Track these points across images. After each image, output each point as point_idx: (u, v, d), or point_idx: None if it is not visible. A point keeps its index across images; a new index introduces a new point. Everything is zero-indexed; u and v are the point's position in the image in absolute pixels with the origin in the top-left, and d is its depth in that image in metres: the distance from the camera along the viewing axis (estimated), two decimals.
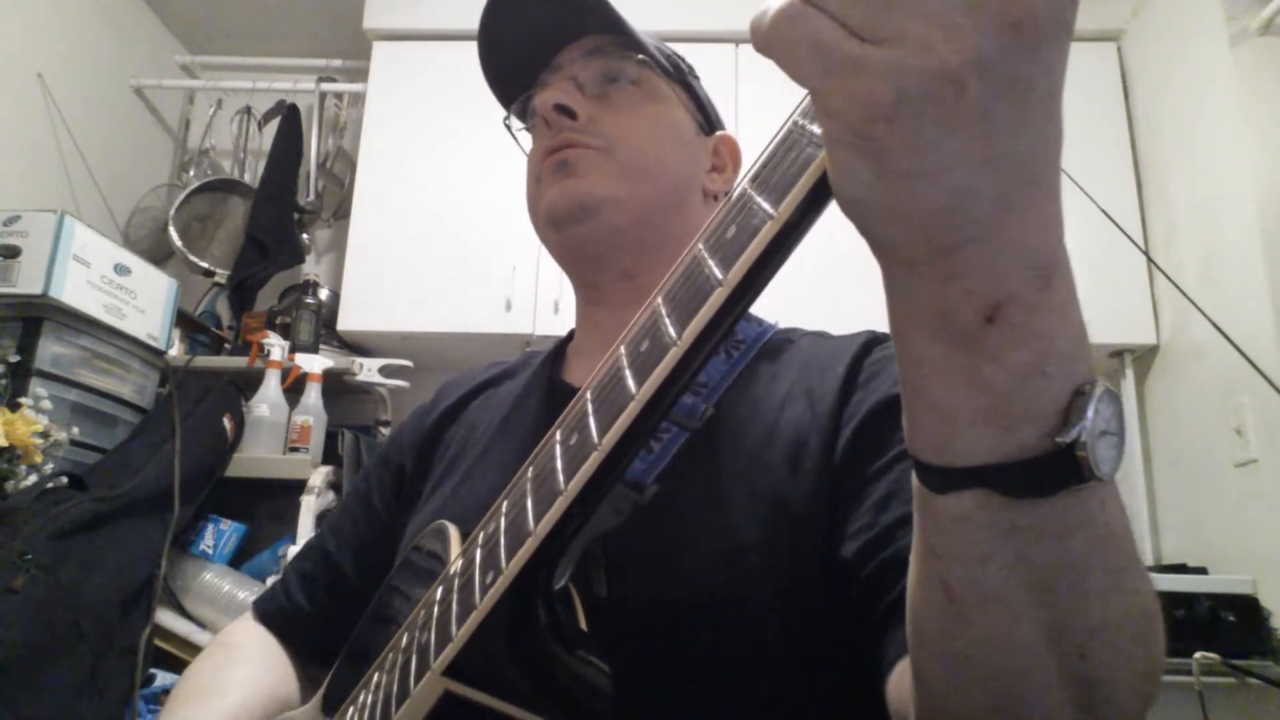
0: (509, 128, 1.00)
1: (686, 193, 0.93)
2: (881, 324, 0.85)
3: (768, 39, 0.34)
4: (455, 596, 0.56)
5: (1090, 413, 0.37)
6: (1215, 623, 1.93)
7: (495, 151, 2.81)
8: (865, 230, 0.37)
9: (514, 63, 0.95)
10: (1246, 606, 1.95)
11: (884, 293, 0.40)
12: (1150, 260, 2.54)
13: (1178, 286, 2.35)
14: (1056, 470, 0.38)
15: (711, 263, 0.43)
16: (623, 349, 0.50)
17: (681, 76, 0.96)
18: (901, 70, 0.31)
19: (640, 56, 0.91)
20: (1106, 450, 0.38)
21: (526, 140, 0.99)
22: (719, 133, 1.00)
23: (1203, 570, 2.16)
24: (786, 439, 0.76)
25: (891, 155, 0.33)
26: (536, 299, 2.69)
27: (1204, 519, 2.31)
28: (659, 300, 0.48)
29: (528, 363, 1.01)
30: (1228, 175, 2.29)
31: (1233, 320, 2.00)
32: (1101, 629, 0.42)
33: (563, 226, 0.88)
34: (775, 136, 0.42)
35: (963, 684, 0.45)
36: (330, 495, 2.34)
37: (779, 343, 0.87)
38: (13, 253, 1.97)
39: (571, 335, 1.01)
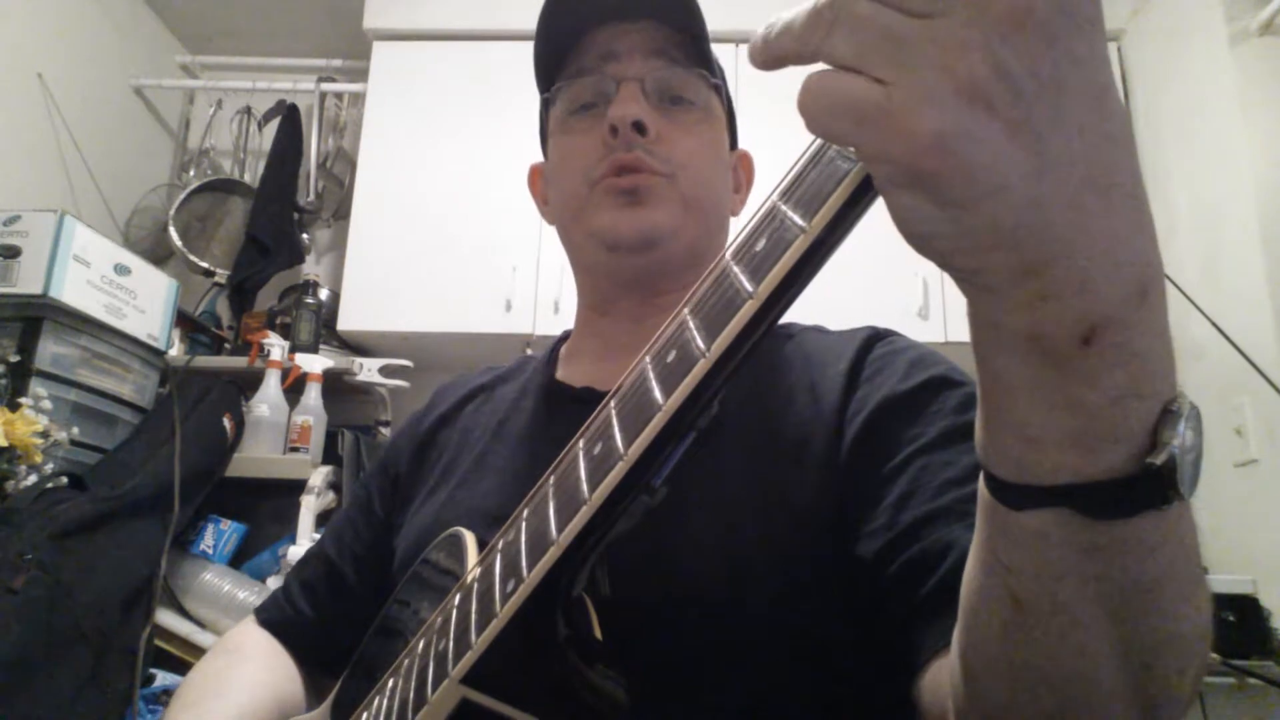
0: (547, 103, 0.95)
1: (725, 216, 0.94)
2: (879, 321, 0.86)
3: (806, 119, 0.35)
4: (475, 604, 0.56)
5: (1182, 433, 0.36)
6: (1215, 623, 1.92)
7: (495, 152, 2.82)
8: (945, 264, 0.36)
9: (568, 35, 0.91)
10: (1246, 606, 1.96)
11: (969, 317, 0.38)
12: None
13: (1178, 286, 2.35)
14: (1143, 491, 0.37)
15: (741, 275, 0.43)
16: (648, 359, 0.50)
17: (725, 89, 0.95)
18: (927, 99, 0.31)
19: (713, 80, 0.89)
20: (1191, 468, 0.36)
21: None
22: (739, 150, 1.00)
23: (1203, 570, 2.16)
24: (789, 435, 0.75)
25: (948, 184, 0.32)
26: (536, 299, 2.69)
27: (1204, 519, 2.30)
28: (686, 312, 0.48)
29: (522, 367, 1.01)
30: (1228, 175, 2.29)
31: (1233, 320, 2.00)
32: (1169, 643, 0.42)
33: (620, 253, 0.87)
34: (806, 151, 0.42)
35: (1022, 691, 0.45)
36: (330, 495, 2.33)
37: (779, 338, 0.87)
38: (13, 253, 1.96)
39: (565, 337, 1.01)
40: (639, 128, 0.84)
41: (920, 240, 0.36)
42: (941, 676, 0.54)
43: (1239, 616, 1.94)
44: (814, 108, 0.34)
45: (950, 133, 0.31)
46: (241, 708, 0.84)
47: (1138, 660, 0.42)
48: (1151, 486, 0.36)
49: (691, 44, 0.88)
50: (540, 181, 1.01)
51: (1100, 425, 0.36)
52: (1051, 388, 0.36)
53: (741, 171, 1.00)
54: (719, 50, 0.97)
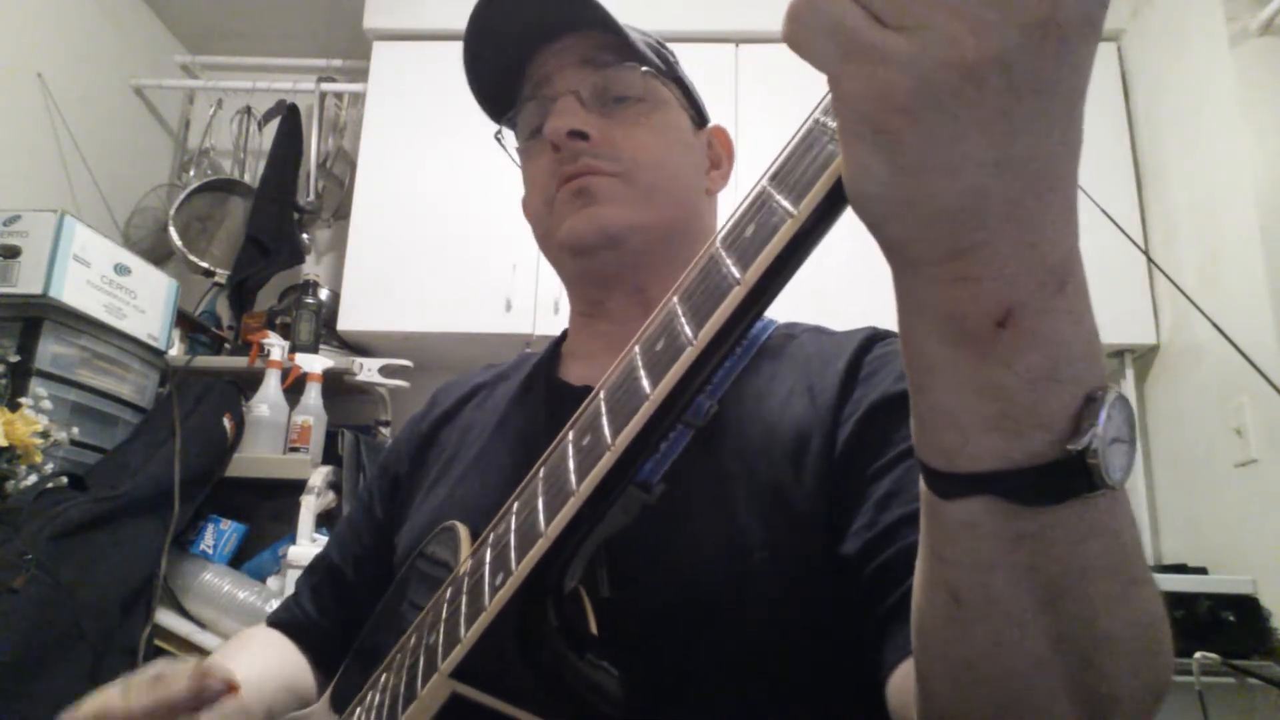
0: (500, 141, 0.98)
1: (697, 198, 0.93)
2: (878, 321, 0.85)
3: (789, 23, 0.33)
4: (464, 598, 0.56)
5: (1103, 419, 0.36)
6: (1215, 623, 1.92)
7: (495, 152, 2.81)
8: (876, 228, 0.36)
9: (498, 72, 0.92)
10: (1246, 606, 1.95)
11: (894, 295, 0.39)
12: (1150, 260, 2.54)
13: (1178, 286, 2.35)
14: (1067, 478, 0.37)
15: (729, 262, 0.42)
16: (637, 349, 0.50)
17: (673, 71, 0.94)
18: (922, 61, 0.31)
19: (644, 69, 0.89)
20: (1118, 458, 0.37)
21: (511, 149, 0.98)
22: (710, 125, 0.98)
23: (1203, 570, 2.16)
24: (788, 435, 0.75)
25: (906, 149, 0.32)
26: (536, 299, 2.69)
27: (1204, 519, 2.31)
28: (675, 300, 0.48)
29: (522, 364, 1.01)
30: (1228, 175, 2.28)
31: (1233, 320, 2.00)
32: (1109, 640, 0.42)
33: (585, 255, 0.87)
34: (796, 134, 0.41)
35: (966, 690, 0.45)
36: (330, 495, 2.33)
37: (780, 338, 0.86)
38: (13, 253, 1.97)
39: (565, 334, 1.00)
40: (579, 135, 0.84)
41: (863, 199, 0.36)
42: (908, 680, 0.54)
43: (1239, 616, 1.94)
44: (808, 18, 0.33)
45: (929, 100, 0.31)
46: (258, 667, 0.85)
47: (1076, 657, 0.42)
48: (1074, 473, 0.37)
49: (618, 44, 0.88)
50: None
51: (1019, 409, 0.37)
52: (969, 369, 0.37)
53: (719, 147, 0.99)
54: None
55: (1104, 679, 0.42)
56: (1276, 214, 2.14)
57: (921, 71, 0.31)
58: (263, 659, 0.89)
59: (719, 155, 0.99)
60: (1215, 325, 1.65)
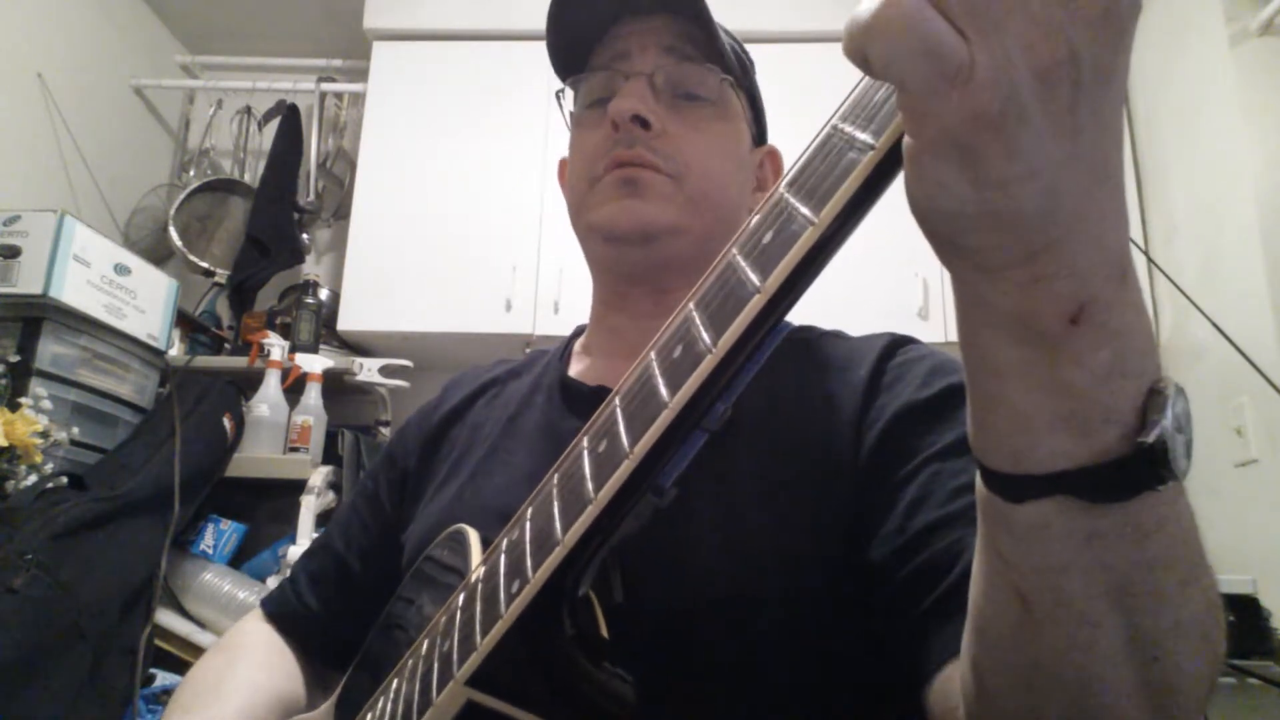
0: (559, 101, 0.95)
1: (737, 216, 0.90)
2: (879, 321, 0.84)
3: (869, 39, 0.31)
4: (479, 605, 0.56)
5: (1169, 411, 0.36)
6: None
7: (495, 151, 2.82)
8: (949, 241, 0.36)
9: (580, 29, 0.90)
10: (1246, 606, 1.95)
11: (957, 302, 0.39)
12: (1150, 260, 2.54)
13: (1178, 286, 2.35)
14: (1138, 472, 0.37)
15: (748, 269, 0.42)
16: (653, 355, 0.50)
17: (749, 84, 0.93)
18: (1008, 74, 0.30)
19: (723, 76, 0.88)
20: (1183, 448, 0.37)
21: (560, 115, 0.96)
22: (766, 147, 0.98)
23: None
24: (805, 441, 0.75)
25: (993, 163, 0.32)
26: (536, 299, 2.69)
27: (1204, 519, 2.28)
28: (691, 307, 0.47)
29: (534, 361, 1.00)
30: (1228, 175, 2.28)
31: (1233, 320, 2.00)
32: (1176, 630, 0.42)
33: (616, 245, 0.87)
34: (814, 140, 0.41)
35: (1033, 693, 0.44)
36: (330, 495, 2.33)
37: (796, 342, 0.86)
38: (13, 253, 1.96)
39: (578, 333, 1.00)
40: (641, 122, 0.83)
41: (940, 216, 0.35)
42: (952, 683, 0.54)
43: (1239, 616, 1.93)
44: (898, 37, 0.31)
45: (1014, 112, 0.31)
46: (239, 708, 0.83)
47: (1145, 653, 0.42)
48: (1146, 466, 0.37)
49: (705, 39, 0.87)
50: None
51: (1090, 406, 0.37)
52: (1041, 369, 0.37)
53: (769, 168, 0.98)
54: None
55: (1172, 671, 0.42)
56: (1276, 214, 2.14)
57: (1008, 85, 0.31)
58: (246, 699, 0.85)
59: (767, 178, 0.97)
60: (1215, 325, 1.65)
